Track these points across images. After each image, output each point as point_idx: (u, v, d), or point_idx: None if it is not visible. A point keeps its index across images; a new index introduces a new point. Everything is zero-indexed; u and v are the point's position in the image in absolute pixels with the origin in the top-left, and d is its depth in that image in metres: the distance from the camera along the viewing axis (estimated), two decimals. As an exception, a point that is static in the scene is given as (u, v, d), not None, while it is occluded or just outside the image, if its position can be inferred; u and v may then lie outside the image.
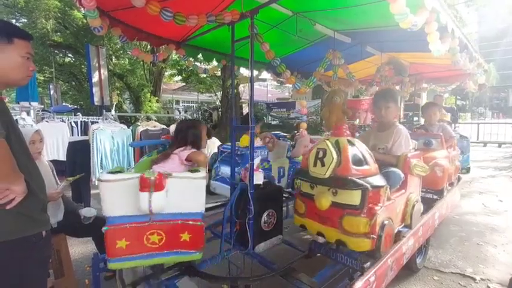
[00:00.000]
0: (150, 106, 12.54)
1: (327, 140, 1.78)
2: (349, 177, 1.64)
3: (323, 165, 1.68)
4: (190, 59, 2.86)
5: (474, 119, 16.15)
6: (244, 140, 2.97)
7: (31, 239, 1.21)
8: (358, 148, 1.78)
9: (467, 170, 5.31)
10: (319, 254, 2.09)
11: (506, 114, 20.41)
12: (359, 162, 1.72)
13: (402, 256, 2.03)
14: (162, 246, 1.54)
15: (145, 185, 1.39)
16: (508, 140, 10.08)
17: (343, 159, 1.68)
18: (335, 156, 1.65)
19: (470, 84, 4.58)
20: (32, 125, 3.47)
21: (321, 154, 1.72)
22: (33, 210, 1.22)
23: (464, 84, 4.79)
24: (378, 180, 1.73)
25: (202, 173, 1.57)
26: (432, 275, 2.51)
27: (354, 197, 1.66)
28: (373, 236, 1.65)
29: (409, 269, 2.44)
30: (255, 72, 3.69)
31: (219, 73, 11.82)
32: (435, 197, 2.91)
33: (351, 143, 1.77)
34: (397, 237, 2.00)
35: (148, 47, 10.89)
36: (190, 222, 1.56)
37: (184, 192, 1.53)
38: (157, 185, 1.40)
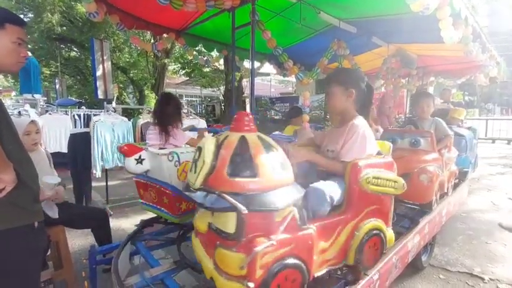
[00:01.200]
0: (153, 99, 12.54)
1: (217, 136, 1.19)
2: (219, 191, 1.04)
3: (195, 171, 1.13)
4: (191, 48, 2.79)
5: (482, 115, 15.82)
6: (289, 130, 3.17)
7: (22, 230, 1.20)
8: (266, 150, 1.13)
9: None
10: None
11: (516, 111, 19.97)
12: (245, 169, 1.07)
13: (407, 254, 1.95)
14: (155, 202, 2.04)
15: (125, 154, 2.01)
16: (518, 137, 9.86)
17: (218, 163, 1.08)
18: (207, 159, 1.08)
19: (480, 78, 4.44)
20: (29, 115, 3.44)
21: (197, 154, 1.16)
22: (24, 201, 1.21)
23: (474, 78, 4.64)
24: (273, 199, 1.07)
25: (166, 151, 1.97)
26: (438, 274, 2.43)
27: (228, 221, 1.08)
28: (250, 283, 1.03)
29: (414, 267, 2.36)
30: (257, 64, 3.60)
31: (222, 67, 11.73)
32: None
33: (264, 141, 1.16)
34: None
35: (152, 40, 10.84)
36: (167, 191, 1.90)
37: (160, 166, 1.95)
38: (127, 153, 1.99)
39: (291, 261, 1.11)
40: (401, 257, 1.86)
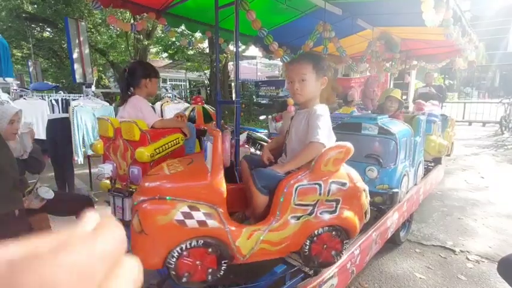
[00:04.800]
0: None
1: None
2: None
3: None
4: (173, 29, 2.69)
5: (461, 98, 16.41)
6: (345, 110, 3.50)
7: (1, 218, 1.17)
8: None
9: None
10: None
11: (492, 94, 20.80)
12: None
13: (387, 230, 2.06)
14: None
15: None
16: (492, 119, 10.32)
17: None
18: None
19: (459, 62, 4.57)
20: (7, 101, 3.26)
21: None
22: (2, 188, 1.16)
23: (453, 62, 4.76)
24: None
25: None
26: (414, 248, 2.59)
27: None
28: None
29: (392, 243, 2.51)
30: (242, 47, 3.53)
31: (207, 50, 11.41)
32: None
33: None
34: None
35: (132, 20, 10.32)
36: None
37: None
38: None
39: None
40: (381, 233, 1.97)
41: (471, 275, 2.21)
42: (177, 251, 1.12)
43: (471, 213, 3.32)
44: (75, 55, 5.40)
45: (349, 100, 4.19)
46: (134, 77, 2.01)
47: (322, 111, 1.40)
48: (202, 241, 1.14)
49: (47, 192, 1.94)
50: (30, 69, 11.25)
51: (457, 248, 2.58)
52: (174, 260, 1.12)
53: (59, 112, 4.81)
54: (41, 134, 4.37)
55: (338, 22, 2.96)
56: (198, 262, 1.15)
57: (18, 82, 6.01)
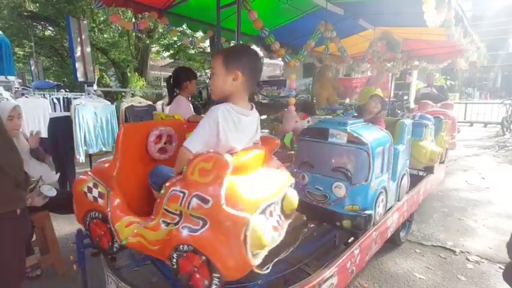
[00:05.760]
0: (136, 83, 12.14)
1: None
2: None
3: None
4: (175, 28, 2.70)
5: (462, 99, 16.37)
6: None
7: (3, 217, 1.17)
8: None
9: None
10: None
11: (494, 95, 20.73)
12: None
13: (387, 230, 2.07)
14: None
15: None
16: (494, 120, 10.30)
17: None
18: None
19: (461, 62, 4.56)
20: (7, 99, 3.27)
21: None
22: (2, 188, 1.16)
23: (454, 62, 4.76)
24: None
25: None
26: (415, 248, 2.60)
27: None
28: None
29: (392, 243, 2.51)
30: (244, 46, 3.53)
31: (208, 49, 11.41)
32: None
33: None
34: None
35: (134, 19, 10.33)
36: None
37: None
38: None
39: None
40: (381, 232, 1.97)
41: (471, 275, 2.21)
42: (89, 216, 1.40)
43: (472, 213, 3.32)
44: (76, 54, 5.41)
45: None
46: (177, 80, 2.48)
47: (211, 112, 1.18)
48: (100, 215, 1.35)
49: (49, 190, 1.95)
50: (32, 68, 11.27)
51: (457, 248, 2.58)
52: (87, 223, 1.42)
53: (61, 111, 4.82)
54: (43, 132, 4.39)
55: (339, 22, 2.97)
56: (101, 232, 1.36)
57: (20, 80, 6.02)
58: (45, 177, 1.92)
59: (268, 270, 1.17)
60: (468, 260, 2.42)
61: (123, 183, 1.37)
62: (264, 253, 1.12)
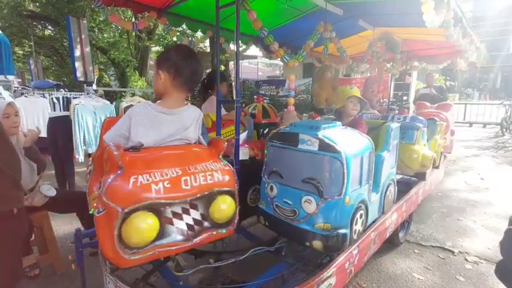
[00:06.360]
0: (136, 82, 12.14)
1: None
2: None
3: None
4: (174, 28, 2.70)
5: (462, 99, 16.38)
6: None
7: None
8: None
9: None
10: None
11: (493, 96, 20.74)
12: None
13: (385, 230, 2.07)
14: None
15: None
16: (493, 121, 10.30)
17: None
18: None
19: (460, 63, 4.56)
20: (4, 98, 3.28)
21: None
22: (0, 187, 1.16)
23: (454, 63, 4.75)
24: None
25: None
26: (413, 249, 2.60)
27: None
28: None
29: (391, 243, 2.51)
30: (243, 47, 3.53)
31: (208, 49, 11.42)
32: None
33: None
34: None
35: (133, 19, 10.33)
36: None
37: None
38: None
39: None
40: (380, 233, 1.97)
41: (469, 276, 2.22)
42: None
43: (470, 214, 3.32)
44: (76, 53, 5.42)
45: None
46: (210, 82, 2.81)
47: (130, 109, 1.28)
48: None
49: (49, 190, 1.95)
50: (32, 67, 11.28)
51: (456, 249, 2.59)
52: None
53: (60, 110, 4.83)
54: (42, 131, 4.39)
55: (339, 22, 2.96)
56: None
57: (20, 80, 6.03)
58: (24, 176, 1.86)
59: (186, 274, 1.37)
60: (467, 260, 2.42)
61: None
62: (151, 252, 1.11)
